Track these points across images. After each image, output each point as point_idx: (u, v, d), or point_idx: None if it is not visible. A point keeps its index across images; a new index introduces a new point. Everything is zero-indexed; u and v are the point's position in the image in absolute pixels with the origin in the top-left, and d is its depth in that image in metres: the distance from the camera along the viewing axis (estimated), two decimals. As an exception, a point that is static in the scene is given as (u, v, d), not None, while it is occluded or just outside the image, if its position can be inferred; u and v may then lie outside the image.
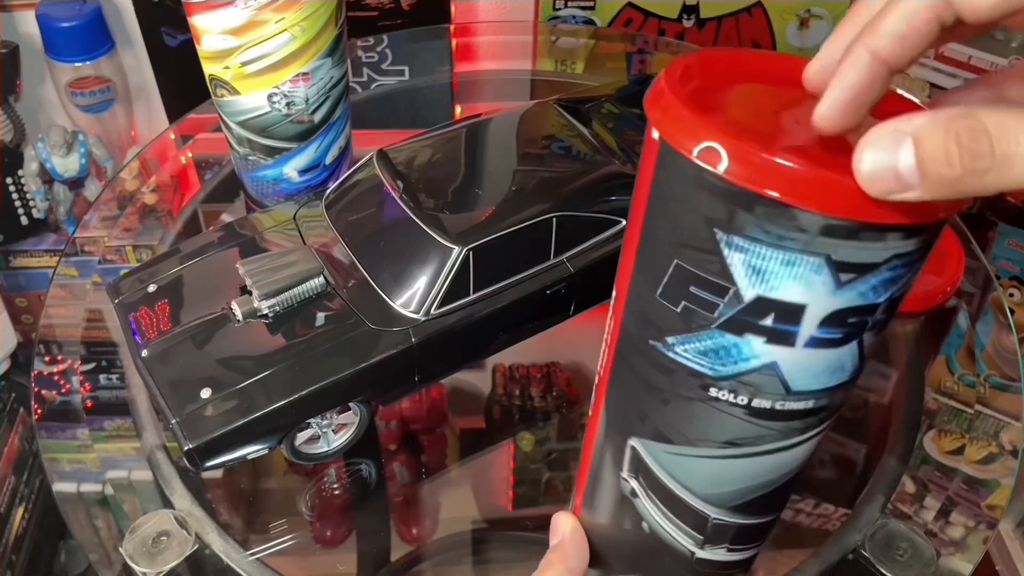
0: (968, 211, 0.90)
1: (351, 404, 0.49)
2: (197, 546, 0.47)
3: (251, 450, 0.46)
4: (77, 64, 0.80)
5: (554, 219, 0.50)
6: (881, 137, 0.22)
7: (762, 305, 0.25)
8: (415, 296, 0.48)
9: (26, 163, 0.82)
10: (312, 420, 0.48)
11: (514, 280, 0.51)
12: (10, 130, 0.81)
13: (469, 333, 0.50)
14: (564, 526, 0.37)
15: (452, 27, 0.87)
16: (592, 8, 0.88)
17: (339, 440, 0.50)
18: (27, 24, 0.80)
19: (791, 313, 0.25)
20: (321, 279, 0.49)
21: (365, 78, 0.80)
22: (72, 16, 0.78)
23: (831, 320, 0.25)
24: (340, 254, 0.51)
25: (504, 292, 0.50)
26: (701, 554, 0.33)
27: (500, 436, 0.59)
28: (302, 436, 0.49)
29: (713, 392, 0.27)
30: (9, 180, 0.82)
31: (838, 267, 0.24)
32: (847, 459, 0.57)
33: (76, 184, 0.84)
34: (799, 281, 0.24)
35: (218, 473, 0.53)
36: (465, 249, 0.48)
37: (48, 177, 0.83)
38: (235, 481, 0.54)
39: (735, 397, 0.27)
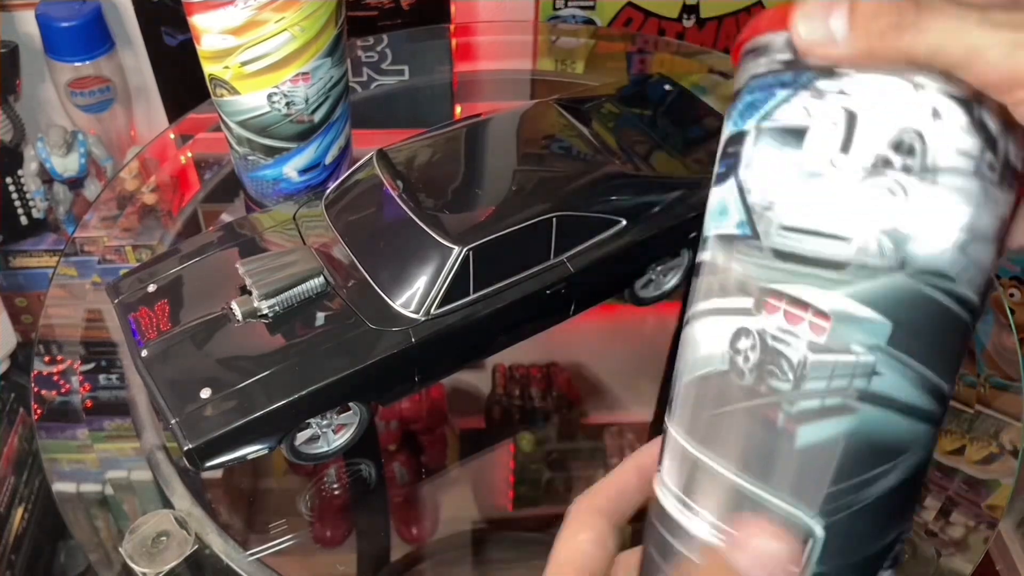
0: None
1: (351, 404, 0.49)
2: (197, 546, 0.47)
3: (251, 450, 0.46)
4: (77, 64, 0.80)
5: (554, 219, 0.50)
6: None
7: None
8: (415, 296, 0.48)
9: (26, 163, 0.82)
10: (312, 420, 0.48)
11: (514, 280, 0.51)
12: (10, 130, 0.81)
13: (469, 333, 0.50)
14: None
15: (452, 27, 0.86)
16: (592, 8, 0.88)
17: (339, 440, 0.50)
18: (27, 24, 0.80)
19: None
20: (321, 279, 0.49)
21: (365, 78, 0.80)
22: (72, 16, 0.78)
23: (722, 152, 0.28)
24: (340, 254, 0.51)
25: (504, 292, 0.50)
26: None
27: (500, 436, 0.59)
28: (302, 436, 0.49)
29: None
30: (9, 180, 0.82)
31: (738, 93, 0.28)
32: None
33: (76, 184, 0.84)
34: None
35: (218, 473, 0.53)
36: (465, 249, 0.48)
37: (48, 177, 0.83)
38: (235, 481, 0.54)
39: None
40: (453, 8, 0.87)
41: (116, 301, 0.51)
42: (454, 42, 0.86)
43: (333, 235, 0.52)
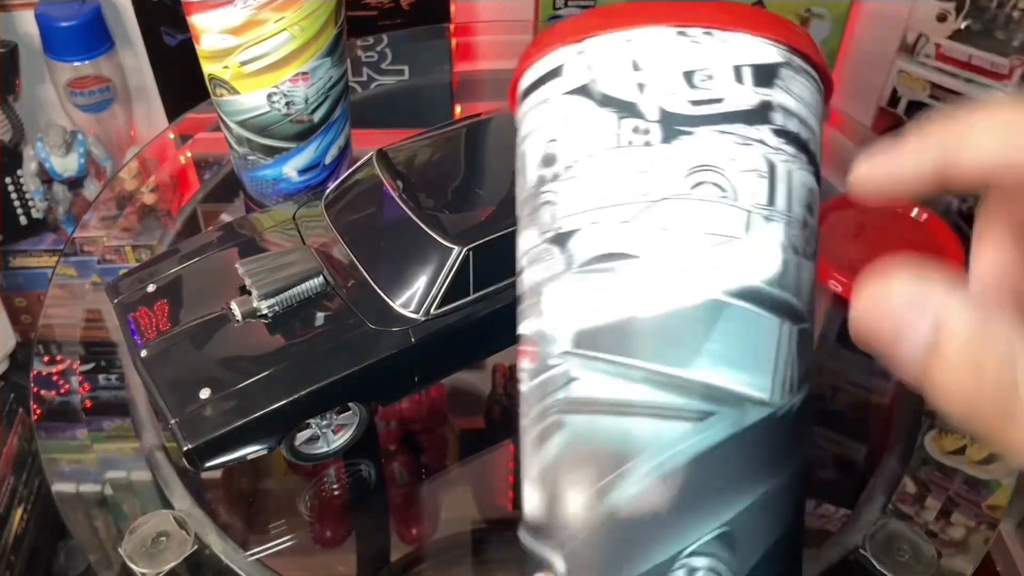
0: (969, 211, 0.90)
1: (351, 404, 0.49)
2: (196, 546, 0.47)
3: (251, 450, 0.46)
4: (76, 64, 0.80)
5: (554, 219, 0.50)
6: (903, 286, 0.18)
7: None
8: (415, 296, 0.48)
9: (25, 163, 0.82)
10: (312, 420, 0.48)
11: (514, 280, 0.50)
12: (9, 130, 0.81)
13: (469, 333, 0.50)
14: None
15: (452, 27, 0.86)
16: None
17: (339, 440, 0.50)
18: (26, 24, 0.80)
19: None
20: (321, 279, 0.49)
21: (365, 78, 0.80)
22: (71, 16, 0.78)
23: None
24: (340, 254, 0.51)
25: (504, 292, 0.50)
26: None
27: (500, 436, 0.59)
28: (302, 436, 0.49)
29: None
30: (8, 180, 0.82)
31: None
32: (847, 459, 0.57)
33: (75, 184, 0.84)
34: None
35: (218, 473, 0.53)
36: (465, 249, 0.48)
37: (47, 177, 0.83)
38: (235, 481, 0.54)
39: None
40: (453, 8, 0.86)
41: (116, 301, 0.51)
42: (454, 42, 0.86)
43: (333, 235, 0.52)
